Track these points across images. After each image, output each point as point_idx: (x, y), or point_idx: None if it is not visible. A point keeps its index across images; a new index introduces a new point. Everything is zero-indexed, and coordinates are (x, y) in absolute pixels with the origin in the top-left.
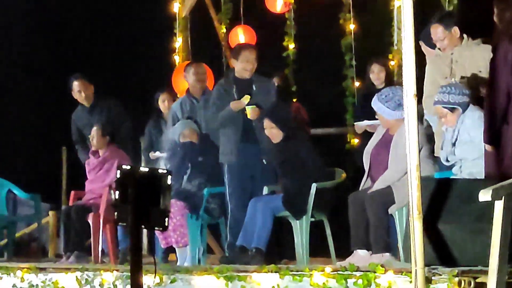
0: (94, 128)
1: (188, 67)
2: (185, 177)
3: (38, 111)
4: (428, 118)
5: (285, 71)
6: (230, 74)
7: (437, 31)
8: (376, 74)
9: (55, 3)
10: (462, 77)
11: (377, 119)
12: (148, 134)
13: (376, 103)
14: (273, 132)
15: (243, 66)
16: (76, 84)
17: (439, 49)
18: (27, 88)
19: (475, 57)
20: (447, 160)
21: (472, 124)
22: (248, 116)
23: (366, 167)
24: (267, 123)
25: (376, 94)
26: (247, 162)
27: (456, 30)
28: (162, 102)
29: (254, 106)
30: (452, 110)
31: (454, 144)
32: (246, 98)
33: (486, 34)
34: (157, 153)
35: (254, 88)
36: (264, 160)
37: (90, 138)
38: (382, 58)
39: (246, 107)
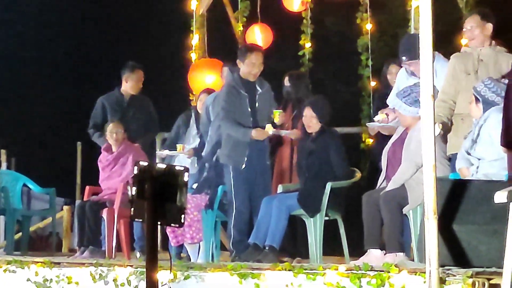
0: (114, 124)
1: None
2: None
3: (54, 106)
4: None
5: (301, 69)
6: (236, 74)
7: (473, 19)
8: (394, 75)
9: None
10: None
11: (388, 121)
12: (176, 129)
13: (393, 99)
14: (312, 122)
15: (248, 70)
16: (137, 72)
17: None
18: (43, 83)
19: (500, 62)
20: (468, 154)
21: (494, 124)
22: (276, 121)
23: (384, 167)
24: (308, 111)
25: (394, 92)
26: (253, 163)
27: (489, 26)
28: (200, 102)
29: (281, 110)
30: (477, 101)
31: (475, 141)
32: (270, 128)
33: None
34: (166, 151)
35: (259, 89)
36: (267, 161)
37: (109, 132)
38: (396, 59)
39: (274, 111)
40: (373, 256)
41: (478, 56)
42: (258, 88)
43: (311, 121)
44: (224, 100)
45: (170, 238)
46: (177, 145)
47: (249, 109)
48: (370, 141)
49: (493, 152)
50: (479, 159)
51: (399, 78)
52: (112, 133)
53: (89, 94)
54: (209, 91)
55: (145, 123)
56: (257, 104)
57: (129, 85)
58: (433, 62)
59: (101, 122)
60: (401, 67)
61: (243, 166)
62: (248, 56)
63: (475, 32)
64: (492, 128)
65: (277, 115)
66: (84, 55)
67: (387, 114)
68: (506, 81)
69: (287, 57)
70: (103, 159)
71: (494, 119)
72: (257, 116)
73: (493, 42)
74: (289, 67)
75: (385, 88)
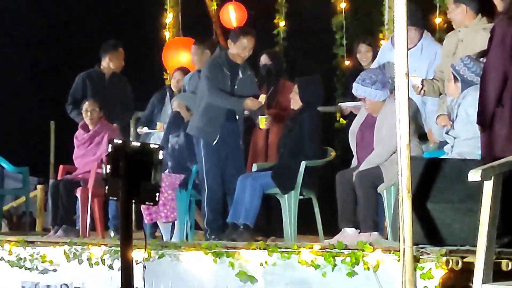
0: (89, 102)
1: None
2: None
3: (27, 85)
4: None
5: (275, 48)
6: (223, 52)
7: (449, 5)
8: (363, 54)
9: None
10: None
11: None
12: (151, 108)
13: (361, 89)
14: (295, 98)
15: (238, 52)
16: (119, 51)
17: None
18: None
19: (479, 41)
20: (447, 133)
21: (472, 103)
22: (261, 126)
23: (353, 148)
24: (295, 88)
25: (356, 81)
26: (225, 142)
27: (463, 8)
28: (174, 80)
29: (267, 116)
30: (456, 80)
31: (454, 120)
32: (263, 98)
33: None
34: (145, 129)
35: (240, 75)
36: (240, 142)
37: (84, 111)
38: (369, 38)
39: (260, 117)
40: (348, 234)
41: (459, 37)
42: (240, 73)
43: (294, 98)
44: (208, 71)
45: (144, 216)
46: (157, 123)
47: (230, 87)
48: (344, 120)
49: (469, 130)
50: (454, 138)
51: (383, 50)
52: (87, 112)
53: (63, 72)
54: (183, 69)
55: (123, 102)
56: (235, 87)
57: (112, 63)
58: (407, 41)
59: (81, 98)
60: (369, 45)
61: (215, 142)
62: (241, 39)
63: (453, 13)
64: (469, 106)
65: (263, 121)
66: (57, 33)
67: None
68: (485, 60)
69: (261, 36)
70: (79, 136)
71: (472, 98)
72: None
73: (478, 17)
74: (263, 46)
75: (356, 68)
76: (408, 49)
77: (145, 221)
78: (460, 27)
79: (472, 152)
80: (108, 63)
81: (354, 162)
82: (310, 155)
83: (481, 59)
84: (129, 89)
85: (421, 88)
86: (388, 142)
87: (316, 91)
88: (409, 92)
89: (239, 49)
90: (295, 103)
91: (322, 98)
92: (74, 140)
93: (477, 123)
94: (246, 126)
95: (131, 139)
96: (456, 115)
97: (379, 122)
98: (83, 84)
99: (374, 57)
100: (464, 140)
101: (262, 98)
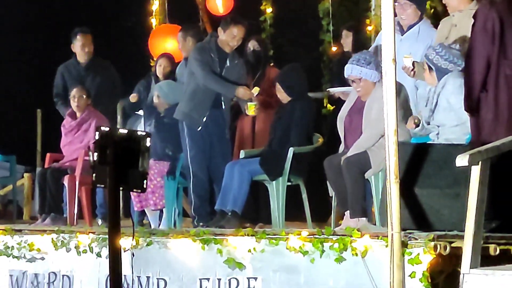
0: (77, 89)
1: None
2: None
3: (13, 73)
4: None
5: (262, 35)
6: (212, 39)
7: None
8: (343, 39)
9: None
10: (454, 41)
11: (349, 86)
12: (137, 94)
13: (356, 69)
14: (282, 96)
15: (227, 40)
16: (81, 38)
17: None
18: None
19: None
20: (428, 124)
21: (452, 90)
22: (250, 113)
23: (341, 134)
24: (278, 87)
25: (350, 62)
26: (209, 130)
27: None
28: (159, 67)
29: (256, 103)
30: (430, 69)
31: (433, 110)
32: (256, 90)
33: None
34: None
35: (228, 63)
36: (225, 130)
37: (71, 97)
38: (352, 23)
39: (249, 104)
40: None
41: (452, 22)
42: (227, 61)
43: (280, 95)
44: (198, 54)
45: (134, 203)
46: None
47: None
48: (331, 106)
49: (453, 118)
50: (438, 126)
51: (381, 35)
52: (75, 98)
53: (49, 60)
54: (167, 55)
55: (107, 87)
56: (222, 75)
57: (77, 51)
58: (394, 26)
59: (62, 91)
60: (349, 30)
61: (199, 128)
62: (231, 28)
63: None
64: (450, 94)
65: (253, 108)
66: (43, 21)
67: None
68: (457, 46)
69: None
70: (67, 124)
71: (452, 85)
72: None
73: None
74: (250, 33)
75: (342, 54)
76: (407, 28)
77: (135, 208)
78: (454, 12)
79: (459, 138)
80: (80, 51)
81: (341, 148)
82: (297, 143)
83: (453, 46)
84: (113, 72)
85: (412, 69)
86: (376, 125)
87: (298, 80)
88: (396, 77)
89: (229, 37)
90: (282, 97)
91: (306, 84)
92: (62, 128)
93: (464, 109)
94: (233, 113)
95: (118, 126)
96: (436, 104)
97: (367, 106)
98: (61, 76)
99: (355, 42)
100: (450, 127)
101: (256, 90)
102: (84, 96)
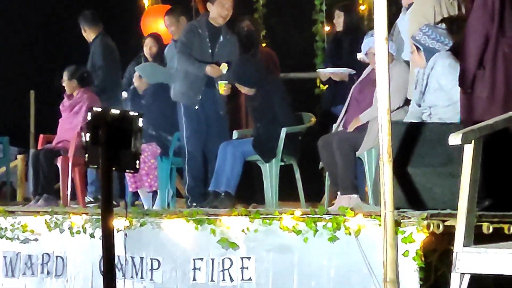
0: (66, 70)
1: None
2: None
3: (5, 54)
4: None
5: (255, 15)
6: (203, 18)
7: None
8: (335, 19)
9: None
10: (441, 20)
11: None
12: (128, 76)
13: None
14: (245, 90)
15: (218, 12)
16: (96, 27)
17: None
18: None
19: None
20: (419, 106)
21: (442, 71)
22: (221, 92)
23: (345, 107)
24: (237, 85)
25: (370, 35)
26: (206, 109)
27: None
28: (146, 47)
29: (227, 81)
30: (418, 50)
31: (423, 92)
32: (224, 67)
33: None
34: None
35: (221, 38)
36: (220, 112)
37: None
38: (343, 3)
39: (219, 82)
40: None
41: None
42: (221, 36)
43: (244, 90)
44: (184, 36)
45: (129, 184)
46: None
47: (210, 51)
48: (324, 86)
49: (444, 98)
50: (430, 107)
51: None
52: (65, 79)
53: (42, 43)
54: (154, 35)
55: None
56: (216, 50)
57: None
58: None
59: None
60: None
61: (196, 107)
62: None
63: None
64: (440, 76)
65: (223, 87)
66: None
67: None
68: (443, 25)
69: (240, 3)
70: (62, 105)
71: (441, 66)
72: (214, 62)
73: None
74: (243, 13)
75: (335, 34)
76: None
77: (130, 189)
78: None
79: (452, 118)
80: (87, 35)
81: (340, 125)
82: (284, 123)
83: (439, 25)
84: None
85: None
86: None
87: (250, 70)
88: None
89: (219, 7)
90: (247, 91)
91: (263, 68)
92: (60, 108)
93: (459, 86)
94: (231, 93)
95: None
96: (426, 85)
97: None
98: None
99: (347, 22)
100: (442, 107)
101: (224, 67)
102: (72, 78)
